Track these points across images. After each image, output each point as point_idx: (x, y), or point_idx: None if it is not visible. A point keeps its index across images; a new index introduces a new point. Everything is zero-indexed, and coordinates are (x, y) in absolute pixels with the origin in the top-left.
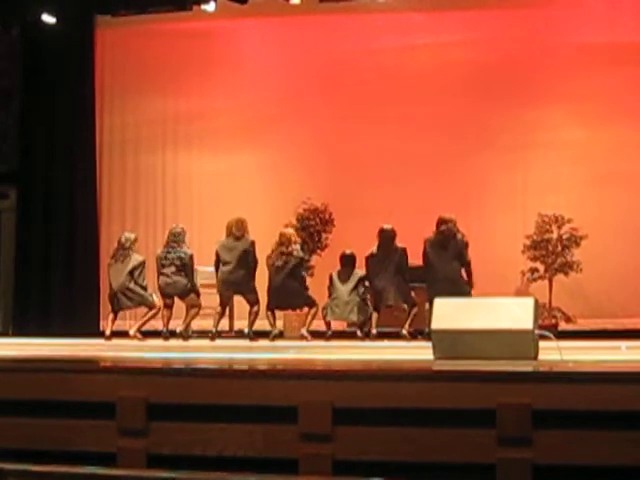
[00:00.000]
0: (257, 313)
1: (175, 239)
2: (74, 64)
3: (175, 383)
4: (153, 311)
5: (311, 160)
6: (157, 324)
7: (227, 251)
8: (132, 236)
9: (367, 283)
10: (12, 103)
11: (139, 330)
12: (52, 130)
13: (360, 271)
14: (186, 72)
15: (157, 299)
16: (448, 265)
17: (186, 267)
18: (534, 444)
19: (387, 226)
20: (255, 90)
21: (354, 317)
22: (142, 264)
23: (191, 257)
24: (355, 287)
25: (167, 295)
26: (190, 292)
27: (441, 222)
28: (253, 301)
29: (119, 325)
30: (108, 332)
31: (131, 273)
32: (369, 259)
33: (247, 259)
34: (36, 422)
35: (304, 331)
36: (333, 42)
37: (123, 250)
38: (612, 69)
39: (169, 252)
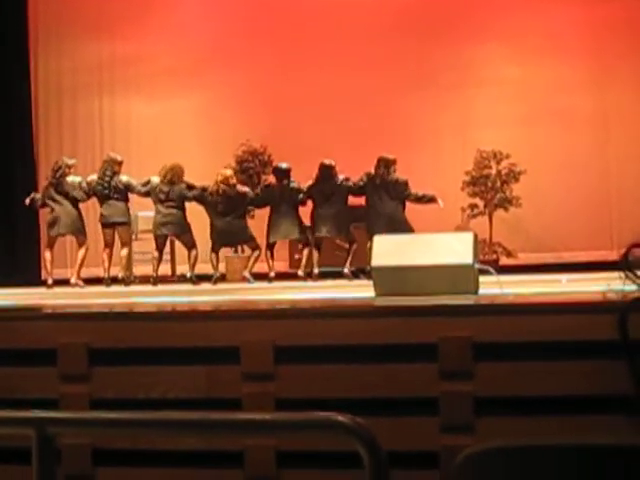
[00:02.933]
0: (196, 257)
1: (111, 164)
2: (7, 8)
3: (116, 327)
4: (84, 249)
5: (249, 102)
6: (98, 271)
7: (162, 194)
8: (69, 162)
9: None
10: None
11: (79, 276)
12: None
13: (294, 183)
14: (122, 16)
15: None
16: (388, 205)
17: (128, 189)
18: (475, 377)
19: (327, 161)
20: (190, 33)
21: (296, 234)
22: (79, 185)
23: (129, 182)
24: (293, 203)
25: (107, 224)
26: (129, 220)
27: (381, 162)
28: (189, 244)
29: (60, 274)
30: (50, 281)
31: (70, 197)
32: (309, 190)
33: (181, 202)
34: None
35: (246, 273)
36: None
37: (59, 175)
38: (550, 5)
39: (105, 180)
